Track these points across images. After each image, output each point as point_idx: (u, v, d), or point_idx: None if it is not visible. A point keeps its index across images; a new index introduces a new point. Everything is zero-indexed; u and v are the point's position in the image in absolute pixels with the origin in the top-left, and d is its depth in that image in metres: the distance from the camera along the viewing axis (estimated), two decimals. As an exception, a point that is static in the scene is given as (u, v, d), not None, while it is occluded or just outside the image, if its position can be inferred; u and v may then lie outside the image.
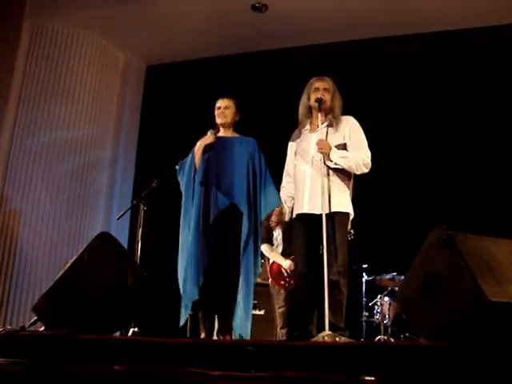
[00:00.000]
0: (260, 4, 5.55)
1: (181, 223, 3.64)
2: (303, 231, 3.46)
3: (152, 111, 6.68)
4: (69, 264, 3.17)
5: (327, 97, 3.53)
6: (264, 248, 4.45)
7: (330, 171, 3.41)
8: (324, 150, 3.36)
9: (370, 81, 5.72)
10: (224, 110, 3.75)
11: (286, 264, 4.38)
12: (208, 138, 3.68)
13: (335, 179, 3.42)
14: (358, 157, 3.44)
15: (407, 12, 5.44)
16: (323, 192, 3.31)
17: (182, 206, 3.66)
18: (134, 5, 5.73)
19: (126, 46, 6.45)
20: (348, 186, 3.48)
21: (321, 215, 3.25)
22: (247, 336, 3.38)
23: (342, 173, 3.45)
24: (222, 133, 3.78)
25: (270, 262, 4.55)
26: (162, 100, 6.57)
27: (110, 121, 6.39)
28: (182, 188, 3.70)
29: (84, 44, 6.13)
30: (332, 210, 3.33)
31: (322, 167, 3.38)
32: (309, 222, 3.40)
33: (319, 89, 3.55)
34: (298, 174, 3.55)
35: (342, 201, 3.41)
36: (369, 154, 3.49)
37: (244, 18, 5.73)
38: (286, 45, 6.08)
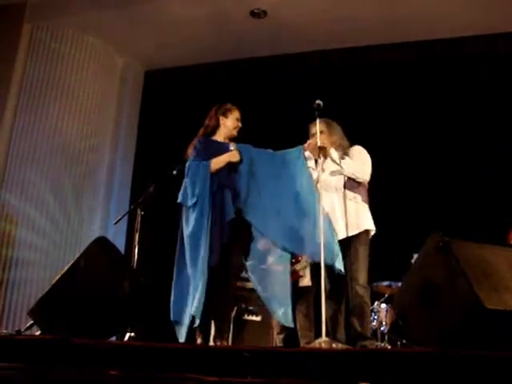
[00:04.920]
0: (259, 10, 5.57)
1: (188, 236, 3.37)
2: None
3: (150, 116, 6.68)
4: (65, 269, 3.17)
5: (323, 139, 3.47)
6: None
7: (347, 190, 3.45)
8: (311, 148, 3.42)
9: (369, 87, 5.73)
10: (239, 122, 3.67)
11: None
12: (233, 156, 3.51)
13: (355, 195, 3.47)
14: (357, 164, 3.47)
15: (405, 20, 5.45)
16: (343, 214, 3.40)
17: (194, 220, 3.34)
18: (133, 9, 5.74)
19: (124, 51, 6.45)
20: (367, 201, 3.54)
21: (345, 239, 3.35)
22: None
23: (358, 186, 3.49)
24: (221, 140, 3.68)
25: None
26: (160, 105, 6.57)
27: (108, 125, 6.38)
28: (189, 199, 3.38)
29: (83, 48, 6.12)
30: (356, 232, 3.42)
31: (336, 187, 3.44)
32: None
33: (315, 135, 3.46)
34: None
35: (364, 218, 3.48)
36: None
37: (243, 24, 5.74)
38: (284, 51, 6.09)
